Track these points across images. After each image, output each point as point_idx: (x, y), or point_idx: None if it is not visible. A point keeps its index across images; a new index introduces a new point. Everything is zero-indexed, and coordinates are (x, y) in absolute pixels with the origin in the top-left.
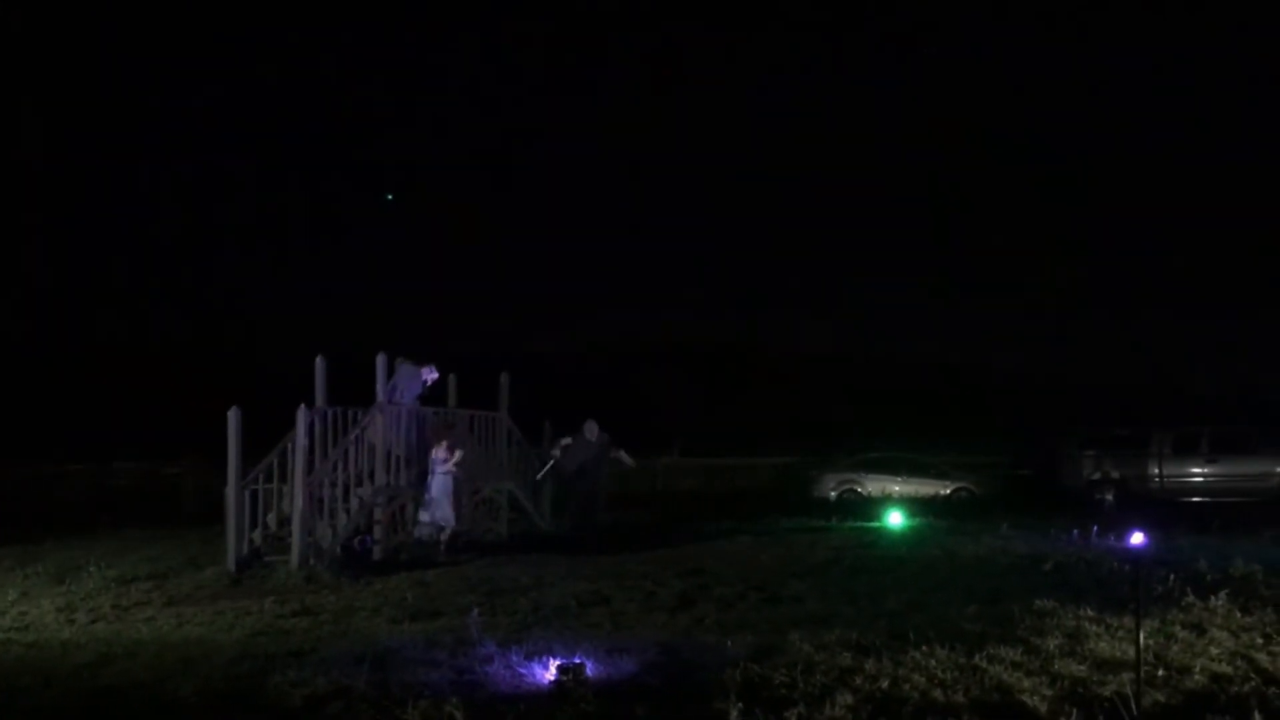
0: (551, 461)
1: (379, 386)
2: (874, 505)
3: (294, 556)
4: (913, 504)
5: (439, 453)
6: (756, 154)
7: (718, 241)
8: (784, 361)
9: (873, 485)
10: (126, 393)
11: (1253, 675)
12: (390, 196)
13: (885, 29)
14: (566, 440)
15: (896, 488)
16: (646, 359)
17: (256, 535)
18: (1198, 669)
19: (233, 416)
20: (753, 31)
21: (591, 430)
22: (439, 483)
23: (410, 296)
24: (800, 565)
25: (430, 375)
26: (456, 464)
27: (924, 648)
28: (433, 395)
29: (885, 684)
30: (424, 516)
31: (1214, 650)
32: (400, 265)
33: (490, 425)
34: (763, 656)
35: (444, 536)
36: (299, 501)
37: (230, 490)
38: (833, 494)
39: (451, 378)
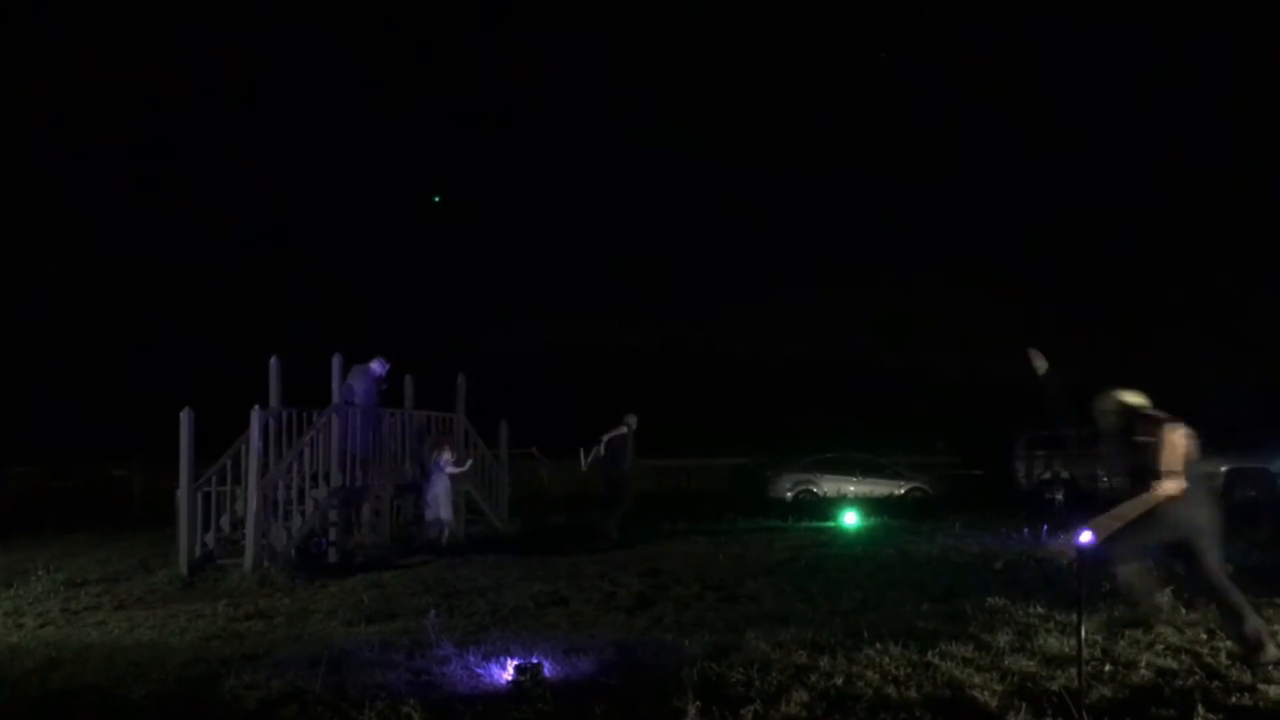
0: (594, 455)
1: (335, 387)
2: (829, 505)
3: (248, 559)
4: (868, 504)
5: (443, 455)
6: (719, 155)
7: (675, 242)
8: (739, 363)
9: (828, 485)
10: (74, 393)
11: (1197, 670)
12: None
13: (848, 30)
14: (608, 435)
15: (852, 488)
16: (603, 359)
17: (209, 538)
18: (1143, 664)
19: (185, 417)
20: (718, 31)
21: (632, 422)
22: (441, 483)
23: (366, 296)
24: (757, 565)
25: (380, 368)
26: (458, 468)
27: (878, 645)
28: (390, 396)
29: (840, 681)
30: (428, 515)
31: (1159, 646)
32: (357, 264)
33: (447, 426)
34: (720, 655)
35: (444, 534)
36: (253, 503)
37: (182, 492)
38: (789, 494)
39: (408, 378)
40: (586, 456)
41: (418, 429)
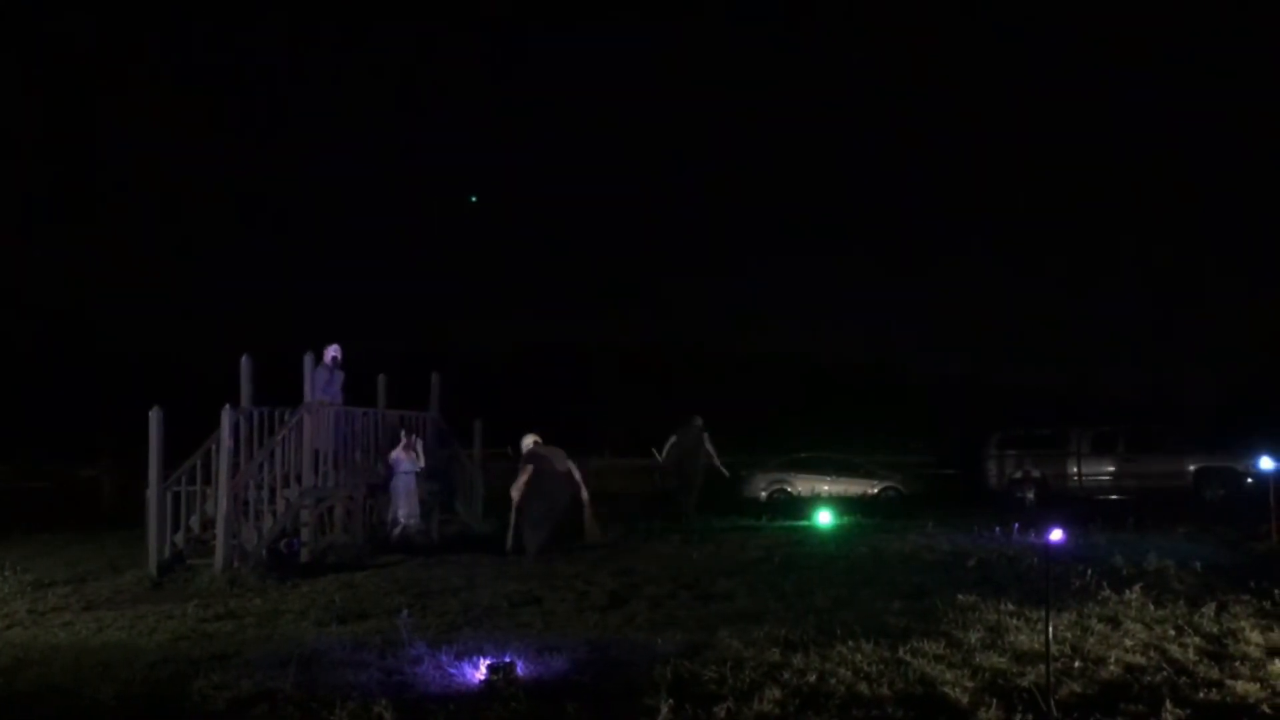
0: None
1: (307, 386)
2: (803, 504)
3: (218, 559)
4: (841, 503)
5: (399, 454)
6: (694, 152)
7: (649, 240)
8: (714, 363)
9: (802, 485)
10: (43, 391)
11: (1165, 665)
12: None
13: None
14: (674, 438)
15: (825, 487)
16: (577, 359)
17: (179, 538)
18: (1112, 660)
19: (154, 416)
20: (678, 25)
21: (696, 422)
22: (402, 482)
23: (339, 294)
24: (730, 564)
25: (331, 353)
26: (414, 467)
27: (850, 642)
28: (365, 394)
29: (812, 678)
30: (402, 515)
31: (1128, 642)
32: (330, 262)
33: (421, 425)
34: (693, 653)
35: (414, 529)
36: (223, 503)
37: (152, 492)
38: (763, 494)
39: (381, 377)
40: (660, 453)
41: (390, 428)
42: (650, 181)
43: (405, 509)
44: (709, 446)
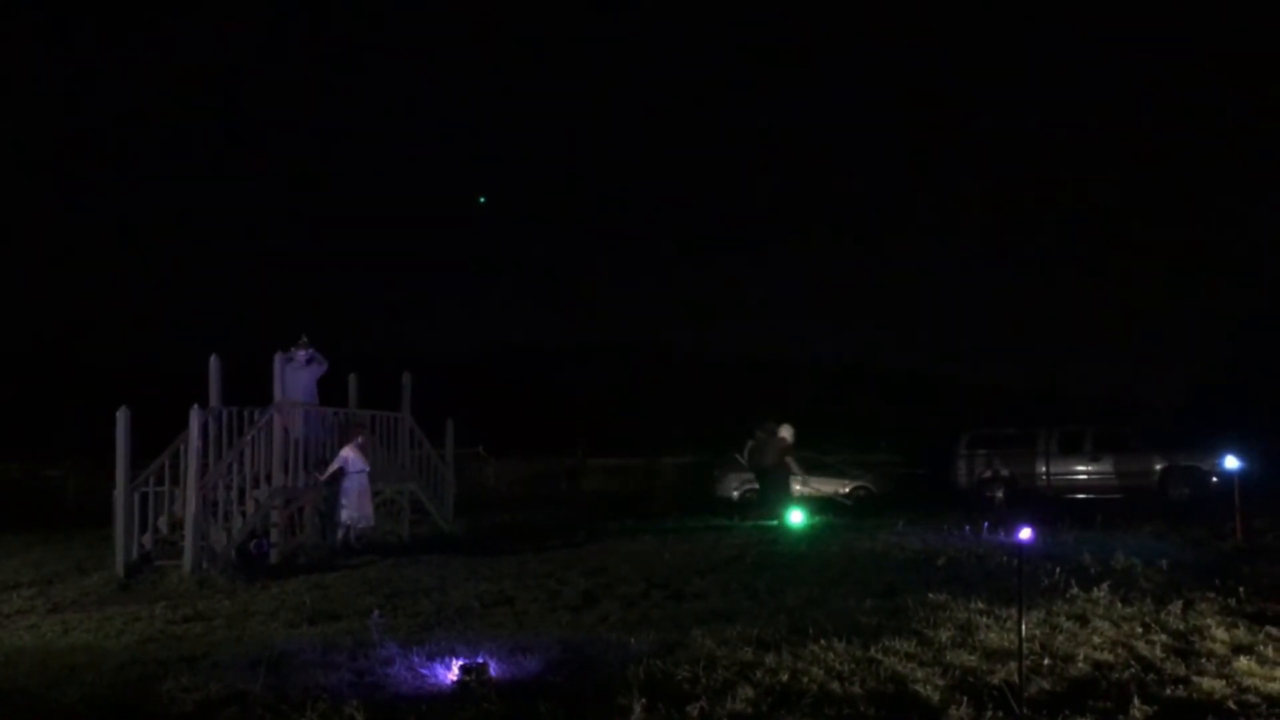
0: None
1: (276, 386)
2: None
3: (186, 560)
4: (813, 502)
5: (349, 452)
6: (666, 154)
7: (621, 242)
8: (688, 363)
9: None
10: (6, 391)
11: (1132, 662)
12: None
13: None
14: (750, 443)
15: (797, 486)
16: (553, 360)
17: (147, 539)
18: (1081, 657)
19: (121, 416)
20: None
21: (774, 430)
22: (354, 482)
23: (311, 294)
24: (703, 563)
25: (301, 353)
26: (366, 466)
27: (822, 641)
28: (335, 395)
29: (785, 677)
30: (346, 516)
31: (1096, 639)
32: (302, 262)
33: (392, 425)
34: (666, 653)
35: (353, 534)
36: (192, 504)
37: (119, 493)
38: (736, 493)
39: (352, 377)
40: (742, 457)
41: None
42: (623, 182)
43: (356, 510)
44: (786, 458)
